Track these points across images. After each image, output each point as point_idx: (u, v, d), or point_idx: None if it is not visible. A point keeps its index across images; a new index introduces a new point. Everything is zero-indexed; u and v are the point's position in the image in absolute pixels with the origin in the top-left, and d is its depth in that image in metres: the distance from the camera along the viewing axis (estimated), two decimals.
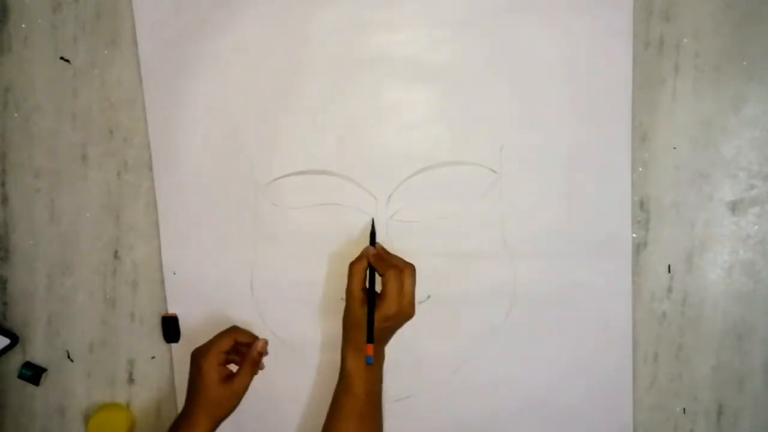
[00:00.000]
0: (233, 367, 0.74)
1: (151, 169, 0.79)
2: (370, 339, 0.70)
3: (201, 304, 0.80)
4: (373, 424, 0.72)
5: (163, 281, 0.81)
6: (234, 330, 0.75)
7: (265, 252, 0.79)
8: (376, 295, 0.72)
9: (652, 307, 0.78)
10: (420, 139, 0.76)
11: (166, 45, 0.77)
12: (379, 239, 0.76)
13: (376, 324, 0.71)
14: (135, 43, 0.78)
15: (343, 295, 0.74)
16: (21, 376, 0.82)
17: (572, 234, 0.76)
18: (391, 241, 0.76)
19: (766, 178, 0.76)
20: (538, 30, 0.74)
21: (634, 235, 0.77)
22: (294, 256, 0.78)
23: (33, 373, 0.82)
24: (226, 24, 0.76)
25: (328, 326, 0.78)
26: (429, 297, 0.78)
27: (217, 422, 0.72)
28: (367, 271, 0.73)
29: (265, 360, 0.76)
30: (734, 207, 0.76)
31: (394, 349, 0.75)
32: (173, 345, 0.82)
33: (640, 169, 0.76)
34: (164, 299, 0.81)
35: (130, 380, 0.83)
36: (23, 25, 0.79)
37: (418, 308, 0.76)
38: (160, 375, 0.83)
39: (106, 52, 0.79)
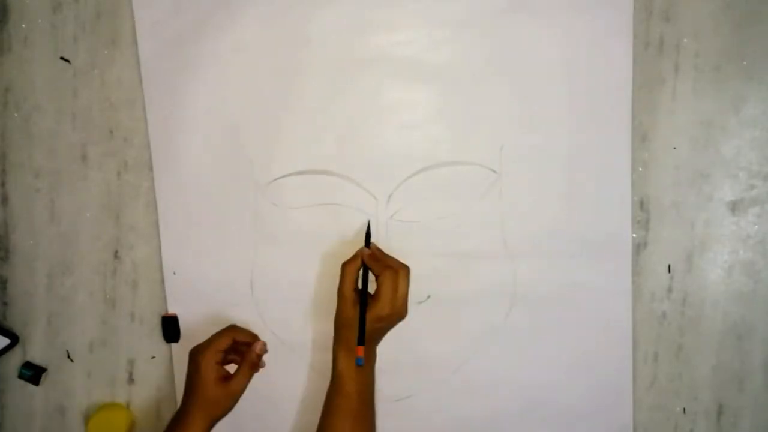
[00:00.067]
0: (233, 368, 0.74)
1: (151, 169, 0.79)
2: (361, 341, 0.70)
3: (201, 304, 0.80)
4: (365, 424, 0.72)
5: (163, 281, 0.81)
6: (233, 329, 0.75)
7: (265, 252, 0.79)
8: (369, 295, 0.72)
9: (652, 307, 0.78)
10: (420, 139, 0.76)
11: (166, 45, 0.77)
12: (379, 239, 0.76)
13: (369, 325, 0.71)
14: (135, 43, 0.78)
15: None
16: (21, 376, 0.82)
17: (572, 234, 0.76)
18: (390, 241, 0.76)
19: (766, 178, 0.76)
20: (538, 30, 0.74)
21: (634, 235, 0.77)
22: (294, 256, 0.78)
23: (33, 373, 0.82)
24: (226, 24, 0.76)
25: (328, 326, 0.78)
26: (429, 297, 0.78)
27: (214, 421, 0.72)
28: (360, 272, 0.73)
29: (264, 359, 0.76)
30: (734, 207, 0.76)
31: (394, 349, 0.75)
32: (173, 345, 0.82)
33: (640, 169, 0.76)
34: (164, 299, 0.81)
35: (130, 380, 0.83)
36: (23, 25, 0.79)
37: (419, 308, 0.76)
38: (160, 375, 0.83)
39: (106, 52, 0.79)
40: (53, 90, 0.79)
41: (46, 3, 0.78)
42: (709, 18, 0.74)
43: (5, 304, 0.83)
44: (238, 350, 0.76)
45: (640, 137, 0.76)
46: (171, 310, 0.81)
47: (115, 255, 0.81)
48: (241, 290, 0.80)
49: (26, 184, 0.81)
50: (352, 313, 0.71)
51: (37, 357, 0.83)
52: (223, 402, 0.72)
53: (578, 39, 0.74)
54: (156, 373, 0.83)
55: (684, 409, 0.79)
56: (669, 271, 0.78)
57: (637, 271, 0.77)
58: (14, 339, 0.82)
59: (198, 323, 0.80)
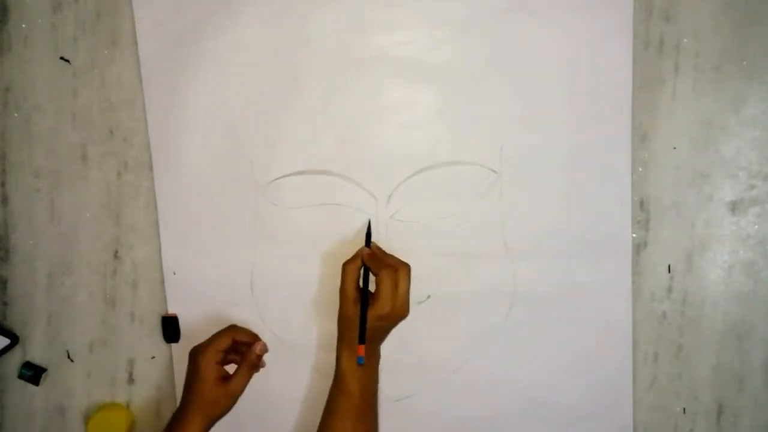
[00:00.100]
0: (233, 368, 0.74)
1: (151, 169, 0.79)
2: (361, 340, 0.70)
3: (201, 304, 0.80)
4: (368, 423, 0.72)
5: (163, 281, 0.81)
6: (232, 329, 0.75)
7: (265, 252, 0.79)
8: (370, 294, 0.72)
9: (652, 307, 0.78)
10: (420, 139, 0.76)
11: (166, 45, 0.77)
12: (379, 239, 0.76)
13: (370, 323, 0.70)
14: (135, 43, 0.78)
15: None
16: (21, 376, 0.82)
17: (572, 234, 0.76)
18: (390, 241, 0.76)
19: (766, 178, 0.76)
20: (538, 30, 0.74)
21: (634, 235, 0.77)
22: (294, 256, 0.78)
23: (33, 373, 0.82)
24: (226, 24, 0.76)
25: (328, 326, 0.78)
26: (429, 297, 0.78)
27: (212, 421, 0.72)
28: (361, 271, 0.73)
29: (264, 359, 0.76)
30: (734, 207, 0.76)
31: (394, 349, 0.75)
32: (173, 345, 0.82)
33: (640, 169, 0.76)
34: (164, 299, 0.81)
35: (130, 380, 0.83)
36: (23, 25, 0.79)
37: (419, 308, 0.76)
38: (160, 375, 0.83)
39: (106, 52, 0.79)
40: (53, 90, 0.79)
41: (46, 3, 0.78)
42: (709, 18, 0.74)
43: (5, 304, 0.83)
44: (238, 350, 0.76)
45: (640, 137, 0.76)
46: (171, 310, 0.81)
47: (115, 255, 0.82)
48: (241, 290, 0.80)
49: (26, 184, 0.81)
50: (354, 312, 0.71)
51: (37, 357, 0.83)
52: (222, 402, 0.72)
53: (578, 39, 0.74)
54: (156, 373, 0.83)
55: (684, 409, 0.79)
56: (669, 271, 0.78)
57: (637, 271, 0.77)
58: (14, 339, 0.82)
59: (198, 323, 0.80)
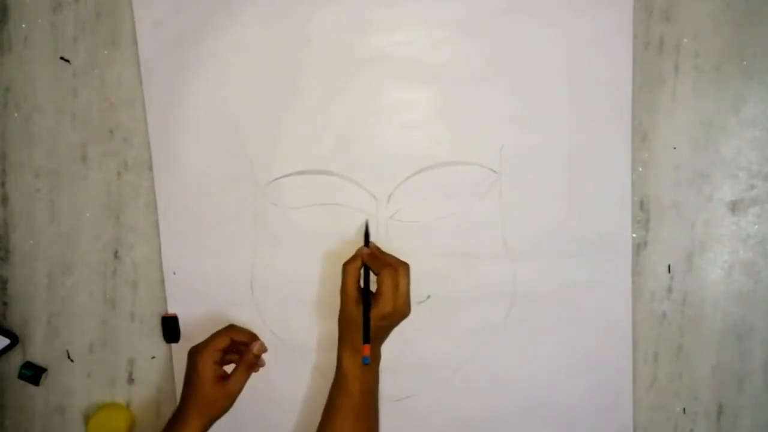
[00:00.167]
0: (232, 368, 0.74)
1: (151, 169, 0.79)
2: (366, 339, 0.70)
3: (201, 304, 0.80)
4: (368, 423, 0.73)
5: (163, 281, 0.81)
6: (231, 329, 0.75)
7: (265, 252, 0.79)
8: (372, 294, 0.72)
9: (652, 307, 0.78)
10: (420, 139, 0.76)
11: (166, 45, 0.77)
12: (379, 239, 0.76)
13: (372, 323, 0.71)
14: (135, 43, 0.78)
15: None
16: (21, 376, 0.82)
17: (572, 234, 0.76)
18: (390, 241, 0.76)
19: (766, 178, 0.76)
20: (538, 30, 0.74)
21: (634, 235, 0.77)
22: (294, 256, 0.78)
23: (33, 373, 0.82)
24: (226, 24, 0.76)
25: (328, 326, 0.78)
26: (429, 297, 0.78)
27: (211, 421, 0.72)
28: (362, 271, 0.73)
29: (265, 358, 0.76)
30: (734, 207, 0.76)
31: (394, 348, 0.75)
32: (173, 345, 0.82)
33: (640, 169, 0.76)
34: (164, 299, 0.81)
35: (130, 380, 0.83)
36: (23, 25, 0.79)
37: (419, 308, 0.76)
38: (160, 375, 0.83)
39: (106, 52, 0.79)
40: (53, 90, 0.79)
41: (46, 3, 0.78)
42: (709, 18, 0.74)
43: (5, 304, 0.83)
44: (236, 350, 0.76)
45: (640, 137, 0.76)
46: (171, 310, 0.81)
47: (115, 255, 0.82)
48: (241, 290, 0.80)
49: (26, 184, 0.81)
50: (356, 312, 0.71)
51: (37, 357, 0.83)
52: (220, 401, 0.72)
53: (578, 39, 0.74)
54: (156, 373, 0.83)
55: (684, 409, 0.79)
56: (669, 271, 0.78)
57: (637, 271, 0.77)
58: (14, 339, 0.82)
59: (198, 323, 0.80)
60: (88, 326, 0.83)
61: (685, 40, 0.75)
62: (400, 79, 0.76)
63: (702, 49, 0.75)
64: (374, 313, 0.71)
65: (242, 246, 0.79)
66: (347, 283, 0.72)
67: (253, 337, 0.77)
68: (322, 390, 0.74)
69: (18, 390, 0.84)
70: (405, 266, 0.72)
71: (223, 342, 0.74)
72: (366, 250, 0.74)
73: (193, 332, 0.79)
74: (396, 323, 0.73)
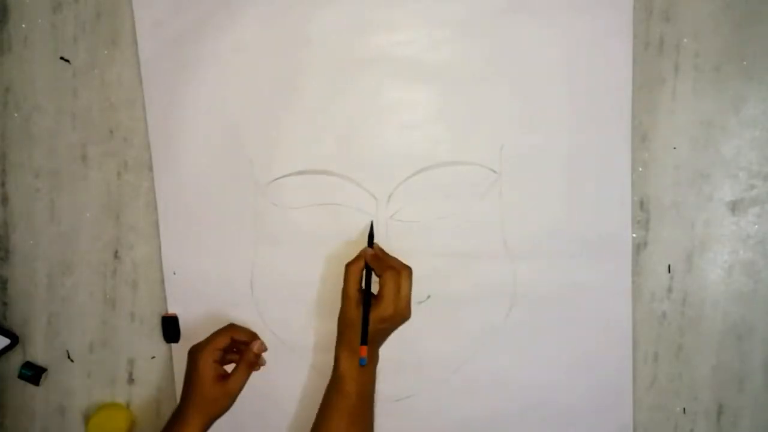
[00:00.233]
0: (232, 368, 0.74)
1: (151, 169, 0.79)
2: (364, 341, 0.70)
3: (201, 304, 0.80)
4: (363, 425, 0.72)
5: (163, 281, 0.81)
6: (231, 328, 0.75)
7: (265, 252, 0.79)
8: (373, 296, 0.72)
9: (652, 307, 0.78)
10: (420, 139, 0.76)
11: (166, 45, 0.77)
12: (379, 239, 0.76)
13: (372, 325, 0.71)
14: (135, 43, 0.78)
15: None
16: (21, 376, 0.82)
17: (572, 234, 0.76)
18: (390, 241, 0.76)
19: (766, 178, 0.76)
20: (538, 30, 0.74)
21: (634, 235, 0.77)
22: (294, 256, 0.78)
23: (33, 373, 0.82)
24: (226, 24, 0.76)
25: (328, 326, 0.78)
26: (429, 297, 0.78)
27: (211, 420, 0.72)
28: (364, 272, 0.73)
29: (265, 357, 0.76)
30: (734, 207, 0.76)
31: (394, 349, 0.75)
32: (173, 345, 0.82)
33: (640, 169, 0.76)
34: (164, 299, 0.81)
35: (130, 380, 0.83)
36: (23, 25, 0.79)
37: (419, 308, 0.76)
38: (160, 375, 0.83)
39: (106, 52, 0.79)
40: (53, 90, 0.79)
41: (46, 3, 0.78)
42: (709, 18, 0.74)
43: (5, 304, 0.83)
44: (237, 349, 0.76)
45: (640, 137, 0.76)
46: (171, 310, 0.81)
47: (115, 255, 0.82)
48: (241, 290, 0.80)
49: (26, 184, 0.81)
50: (357, 313, 0.71)
51: (37, 357, 0.83)
52: (220, 401, 0.72)
53: (578, 39, 0.74)
54: (156, 373, 0.83)
55: (684, 409, 0.79)
56: (669, 271, 0.78)
57: (637, 271, 0.77)
58: (14, 339, 0.82)
59: (198, 323, 0.80)
60: (88, 326, 0.83)
61: (685, 40, 0.75)
62: (400, 79, 0.76)
63: (702, 49, 0.75)
64: (374, 316, 0.71)
65: (242, 246, 0.79)
66: (349, 283, 0.72)
67: (254, 337, 0.77)
68: (322, 390, 0.74)
69: (18, 390, 0.84)
70: (408, 270, 0.72)
71: (223, 341, 0.74)
72: (370, 251, 0.74)
73: (193, 332, 0.79)
74: (396, 327, 0.73)
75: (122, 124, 0.79)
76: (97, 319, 0.83)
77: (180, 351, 0.81)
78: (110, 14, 0.78)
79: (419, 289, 0.75)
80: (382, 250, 0.75)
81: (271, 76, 0.76)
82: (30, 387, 0.83)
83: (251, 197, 0.78)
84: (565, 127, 0.75)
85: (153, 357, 0.83)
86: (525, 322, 0.78)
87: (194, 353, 0.73)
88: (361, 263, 0.73)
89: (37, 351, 0.83)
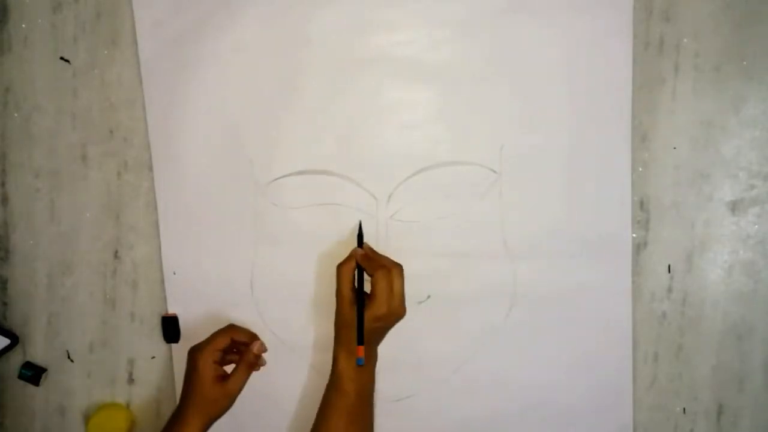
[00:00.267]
0: (232, 368, 0.74)
1: (151, 169, 0.79)
2: (360, 341, 0.70)
3: (201, 304, 0.80)
4: (362, 424, 0.72)
5: (163, 281, 0.81)
6: (231, 328, 0.75)
7: (265, 252, 0.79)
8: (366, 295, 0.72)
9: (652, 307, 0.78)
10: (420, 139, 0.76)
11: (166, 45, 0.77)
12: (379, 239, 0.76)
13: (367, 324, 0.71)
14: (135, 43, 0.78)
15: None
16: (21, 376, 0.82)
17: (572, 234, 0.76)
18: (390, 241, 0.76)
19: (766, 178, 0.76)
20: (538, 30, 0.74)
21: (634, 235, 0.77)
22: (294, 256, 0.78)
23: (33, 373, 0.82)
24: (226, 24, 0.76)
25: (328, 326, 0.78)
26: (429, 297, 0.78)
27: (211, 420, 0.72)
28: (356, 272, 0.74)
29: (265, 358, 0.76)
30: (734, 207, 0.76)
31: (394, 348, 0.75)
32: (173, 345, 0.82)
33: (640, 169, 0.76)
34: (164, 299, 0.81)
35: (130, 380, 0.83)
36: (23, 25, 0.79)
37: (419, 308, 0.76)
38: (160, 375, 0.83)
39: (106, 52, 0.79)
40: (53, 90, 0.79)
41: (46, 3, 0.78)
42: (709, 18, 0.74)
43: (5, 304, 0.83)
44: (237, 350, 0.76)
45: (640, 137, 0.76)
46: (171, 310, 0.81)
47: (115, 255, 0.82)
48: (241, 290, 0.80)
49: (26, 184, 0.81)
50: (351, 313, 0.71)
51: (37, 357, 0.83)
52: (220, 401, 0.72)
53: (578, 39, 0.74)
54: (156, 373, 0.83)
55: (684, 409, 0.79)
56: (669, 271, 0.78)
57: (637, 271, 0.77)
58: (14, 339, 0.82)
59: (198, 323, 0.80)
60: (88, 326, 0.83)
61: (685, 40, 0.75)
62: (400, 79, 0.76)
63: (702, 49, 0.75)
64: (369, 315, 0.71)
65: (242, 246, 0.79)
66: (341, 284, 0.73)
67: (253, 337, 0.77)
68: (322, 389, 0.74)
69: (18, 390, 0.84)
70: (399, 267, 0.72)
71: (223, 341, 0.74)
72: (360, 252, 0.74)
73: (193, 332, 0.79)
74: (391, 325, 0.73)
75: (122, 124, 0.79)
76: (97, 319, 0.83)
77: (180, 351, 0.81)
78: (110, 14, 0.78)
79: (419, 289, 0.76)
80: (372, 250, 0.75)
81: (271, 76, 0.76)
82: (30, 387, 0.83)
83: (251, 197, 0.78)
84: (565, 127, 0.75)
85: (153, 357, 0.83)
86: (525, 322, 0.78)
87: (194, 353, 0.73)
88: (353, 263, 0.73)
89: (37, 351, 0.83)
